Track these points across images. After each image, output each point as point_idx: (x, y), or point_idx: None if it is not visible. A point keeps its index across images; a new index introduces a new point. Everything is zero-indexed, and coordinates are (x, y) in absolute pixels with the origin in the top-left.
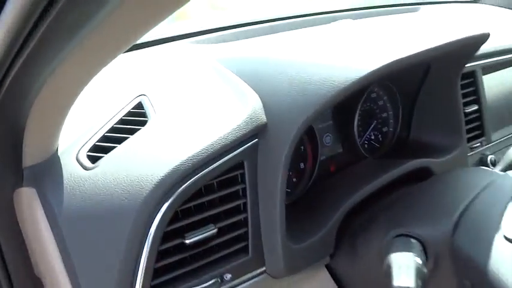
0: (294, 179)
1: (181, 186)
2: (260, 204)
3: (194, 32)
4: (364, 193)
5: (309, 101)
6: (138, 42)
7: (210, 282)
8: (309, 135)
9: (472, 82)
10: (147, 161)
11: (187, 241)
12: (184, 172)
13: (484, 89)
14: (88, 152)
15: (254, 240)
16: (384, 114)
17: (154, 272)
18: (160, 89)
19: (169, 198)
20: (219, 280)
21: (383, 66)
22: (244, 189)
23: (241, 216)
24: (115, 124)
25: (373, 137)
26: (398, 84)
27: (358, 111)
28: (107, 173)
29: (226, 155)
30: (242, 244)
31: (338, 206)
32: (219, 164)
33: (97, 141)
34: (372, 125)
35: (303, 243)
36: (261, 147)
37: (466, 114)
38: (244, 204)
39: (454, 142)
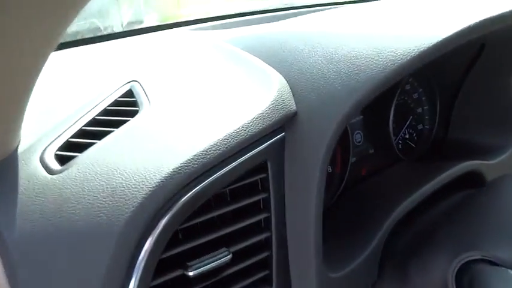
0: None
1: (182, 197)
2: (288, 220)
3: (195, 20)
4: (410, 204)
5: (357, 79)
6: (129, 29)
7: None
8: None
9: None
10: (135, 163)
11: (191, 273)
12: (187, 178)
13: None
14: (57, 150)
15: (279, 268)
16: (419, 110)
17: None
18: (157, 74)
19: (167, 213)
20: None
21: (475, 24)
22: (267, 200)
23: (262, 236)
24: (96, 116)
25: (407, 136)
26: (437, 74)
27: (394, 104)
28: (78, 178)
29: (245, 154)
30: (263, 273)
31: (382, 220)
32: (235, 166)
33: (71, 137)
34: (408, 122)
35: (342, 270)
36: (288, 145)
37: None
38: (267, 219)
39: (508, 141)
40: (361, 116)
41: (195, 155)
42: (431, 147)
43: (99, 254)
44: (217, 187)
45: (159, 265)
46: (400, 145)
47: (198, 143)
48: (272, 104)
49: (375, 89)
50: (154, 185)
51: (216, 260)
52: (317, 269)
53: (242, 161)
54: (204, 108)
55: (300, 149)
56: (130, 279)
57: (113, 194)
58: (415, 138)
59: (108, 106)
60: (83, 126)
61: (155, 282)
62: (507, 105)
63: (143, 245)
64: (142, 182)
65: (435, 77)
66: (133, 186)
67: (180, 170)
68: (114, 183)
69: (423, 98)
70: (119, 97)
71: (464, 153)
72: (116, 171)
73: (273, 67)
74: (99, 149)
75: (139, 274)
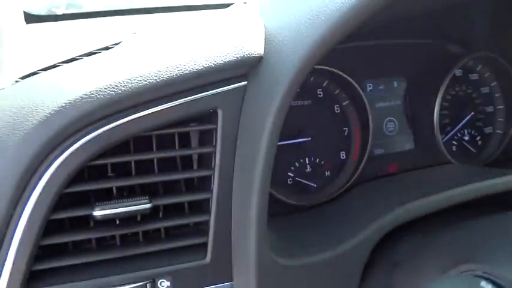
0: (328, 172)
1: (98, 128)
2: (234, 185)
3: None
4: (418, 208)
5: (323, 12)
6: None
7: (134, 286)
8: (359, 112)
9: None
10: (64, 85)
11: (96, 213)
12: (104, 106)
13: None
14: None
15: (218, 238)
16: (489, 108)
17: (40, 251)
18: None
19: (76, 141)
20: (150, 286)
21: None
22: (209, 155)
23: (200, 197)
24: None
25: (467, 138)
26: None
27: (442, 92)
28: (11, 95)
29: (187, 95)
30: (197, 240)
31: (370, 219)
32: (172, 106)
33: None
34: (466, 119)
35: (296, 260)
36: (248, 95)
37: None
38: (207, 179)
39: None
40: (399, 102)
41: (118, 83)
42: (503, 156)
43: None
44: (144, 127)
45: (63, 201)
46: (454, 146)
47: (128, 72)
48: (234, 47)
49: (336, 25)
50: (61, 106)
51: (129, 206)
52: (258, 247)
53: (181, 103)
54: (166, 46)
55: (257, 97)
56: (23, 203)
57: (26, 111)
58: (479, 142)
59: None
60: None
61: (57, 216)
62: None
63: (44, 170)
64: (54, 102)
65: None
66: (44, 105)
67: (95, 96)
68: (32, 101)
69: (496, 95)
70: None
71: None
72: (41, 91)
73: (260, 15)
74: (43, 75)
75: (34, 200)
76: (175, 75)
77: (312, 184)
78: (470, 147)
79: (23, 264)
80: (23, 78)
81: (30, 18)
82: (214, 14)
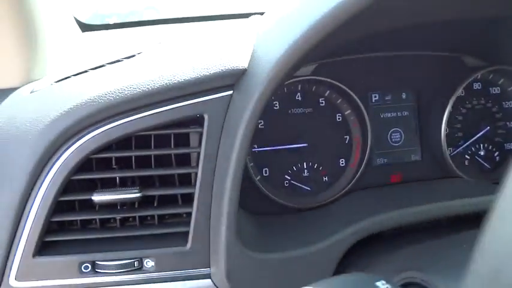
0: (325, 178)
1: (100, 127)
2: (215, 182)
3: None
4: (395, 218)
5: (297, 24)
6: None
7: (124, 262)
8: (361, 122)
9: None
10: (81, 89)
11: (94, 197)
12: (103, 110)
13: None
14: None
15: (198, 228)
16: (511, 123)
17: (52, 226)
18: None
19: (82, 137)
20: (137, 264)
21: None
22: (196, 155)
23: (185, 191)
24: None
25: (482, 153)
26: None
27: (451, 105)
28: (42, 96)
29: (178, 101)
30: (180, 229)
31: (347, 223)
32: (165, 111)
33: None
34: (480, 133)
35: (268, 254)
36: (233, 103)
37: None
38: (190, 176)
39: None
40: (407, 113)
41: (127, 87)
42: None
43: (19, 151)
44: (141, 127)
45: (70, 187)
46: (466, 161)
47: (130, 80)
48: (223, 60)
49: (309, 32)
50: (74, 106)
51: (122, 194)
52: (228, 237)
53: (173, 108)
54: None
55: (238, 105)
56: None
57: (52, 107)
58: (497, 158)
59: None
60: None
61: (65, 198)
62: None
63: (58, 156)
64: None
65: None
66: (67, 104)
67: (101, 99)
68: (61, 98)
69: None
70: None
71: None
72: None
73: (257, 29)
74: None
75: (50, 179)
76: (170, 82)
77: (307, 188)
78: (484, 163)
79: (37, 235)
80: (57, 82)
81: (85, 27)
82: (227, 26)
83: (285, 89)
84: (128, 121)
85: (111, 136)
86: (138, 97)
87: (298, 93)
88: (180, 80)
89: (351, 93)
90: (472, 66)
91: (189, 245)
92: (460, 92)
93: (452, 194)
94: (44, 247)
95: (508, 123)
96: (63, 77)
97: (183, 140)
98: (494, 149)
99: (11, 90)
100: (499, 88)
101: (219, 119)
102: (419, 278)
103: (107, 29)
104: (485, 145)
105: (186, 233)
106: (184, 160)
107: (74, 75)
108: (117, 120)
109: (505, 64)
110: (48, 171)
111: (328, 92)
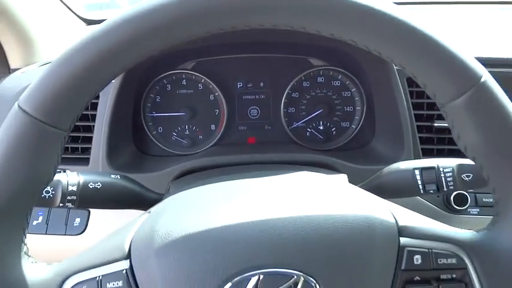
0: (200, 136)
1: None
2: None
3: None
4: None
5: None
6: None
7: None
8: (227, 101)
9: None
10: None
11: None
12: None
13: None
14: None
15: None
16: (349, 108)
17: None
18: None
19: None
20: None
21: None
22: None
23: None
24: None
25: (322, 128)
26: (358, 75)
27: (288, 89)
28: (27, 74)
29: None
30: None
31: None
32: None
33: None
34: (315, 113)
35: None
36: None
37: (437, 130)
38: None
39: (396, 154)
40: (263, 96)
41: None
42: (354, 147)
43: None
44: None
45: None
46: (307, 132)
47: None
48: None
49: None
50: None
51: None
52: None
53: None
54: None
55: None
56: None
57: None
58: (334, 132)
59: None
60: None
61: None
62: (396, 118)
63: None
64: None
65: (358, 79)
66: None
67: None
68: None
69: (357, 98)
70: None
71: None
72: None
73: None
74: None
75: None
76: None
77: (185, 142)
78: (319, 135)
79: None
80: (40, 65)
81: (90, 21)
82: None
83: (174, 77)
84: None
85: None
86: None
87: (184, 80)
88: None
89: (210, 82)
90: (317, 65)
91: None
92: (300, 81)
93: (276, 150)
94: None
95: (344, 107)
96: (48, 62)
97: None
98: (332, 126)
99: (16, 69)
100: (339, 82)
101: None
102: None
103: None
104: (325, 122)
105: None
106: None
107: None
108: None
109: (341, 66)
110: None
111: (203, 80)
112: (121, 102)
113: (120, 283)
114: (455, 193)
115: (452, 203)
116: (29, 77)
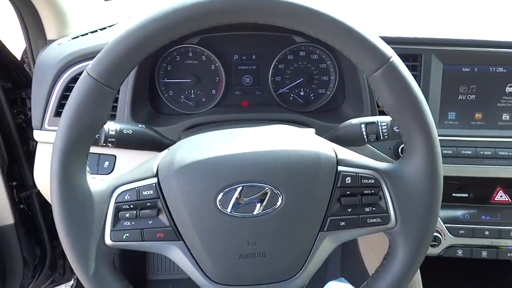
0: (203, 99)
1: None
2: None
3: None
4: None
5: None
6: None
7: None
8: (225, 70)
9: (414, 66)
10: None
11: None
12: (91, 53)
13: (430, 78)
14: None
15: None
16: (325, 78)
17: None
18: None
19: (76, 64)
20: None
21: None
22: None
23: None
24: None
25: (302, 93)
26: (332, 51)
27: (275, 61)
28: (65, 45)
29: None
30: None
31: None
32: None
33: None
34: (297, 81)
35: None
36: None
37: None
38: None
39: (359, 115)
40: (255, 67)
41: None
42: (326, 110)
43: None
44: None
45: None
46: (290, 97)
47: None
48: None
49: None
50: (70, 52)
51: None
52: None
53: None
54: None
55: None
56: (56, 84)
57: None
58: (312, 97)
59: None
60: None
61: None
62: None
63: (64, 73)
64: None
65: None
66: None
67: (86, 50)
68: None
69: (331, 70)
70: None
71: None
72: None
73: None
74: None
75: (60, 84)
76: None
77: (191, 103)
78: (299, 99)
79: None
80: (73, 38)
81: None
82: None
83: (182, 49)
84: None
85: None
86: None
87: (190, 52)
88: None
89: (212, 55)
90: (299, 42)
91: None
92: (285, 55)
93: (264, 111)
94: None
95: (321, 77)
96: (79, 35)
97: None
98: (310, 92)
99: (52, 41)
100: (317, 55)
101: None
102: None
103: None
104: (305, 89)
105: None
106: None
107: (81, 35)
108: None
109: (319, 43)
110: (59, 79)
111: (206, 52)
112: (140, 71)
113: (151, 192)
114: (402, 145)
115: (400, 153)
116: (65, 48)
